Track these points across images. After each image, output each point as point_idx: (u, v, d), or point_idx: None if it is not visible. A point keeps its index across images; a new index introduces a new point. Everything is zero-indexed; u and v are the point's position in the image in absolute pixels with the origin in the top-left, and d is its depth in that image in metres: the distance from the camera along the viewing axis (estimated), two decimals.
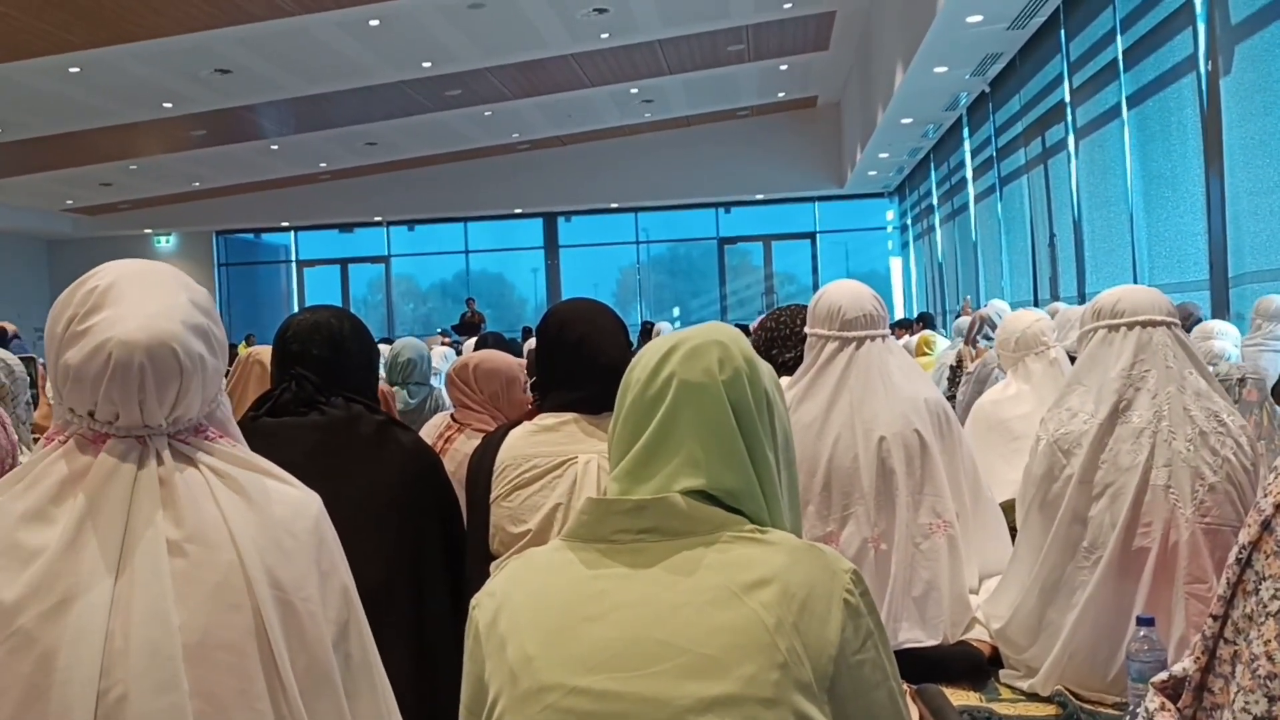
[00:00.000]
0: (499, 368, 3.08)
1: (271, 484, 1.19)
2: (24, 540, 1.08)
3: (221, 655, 1.08)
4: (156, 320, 1.13)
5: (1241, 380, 3.47)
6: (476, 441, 2.93)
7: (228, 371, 2.23)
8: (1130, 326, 2.34)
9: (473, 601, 1.21)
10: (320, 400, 2.04)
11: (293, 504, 1.20)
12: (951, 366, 5.71)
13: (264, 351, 3.08)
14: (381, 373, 3.29)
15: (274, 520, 1.16)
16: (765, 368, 1.24)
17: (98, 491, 1.11)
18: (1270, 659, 1.31)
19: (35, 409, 3.20)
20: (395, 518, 2.01)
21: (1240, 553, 1.38)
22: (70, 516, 1.09)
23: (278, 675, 1.10)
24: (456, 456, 2.77)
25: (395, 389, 4.27)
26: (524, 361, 3.32)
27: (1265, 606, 1.33)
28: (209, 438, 1.19)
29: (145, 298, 1.15)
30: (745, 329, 9.55)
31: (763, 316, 3.26)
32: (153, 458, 1.13)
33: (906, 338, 8.25)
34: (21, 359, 2.92)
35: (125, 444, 1.13)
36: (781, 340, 3.06)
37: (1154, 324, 2.33)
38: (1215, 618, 1.42)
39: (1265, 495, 1.37)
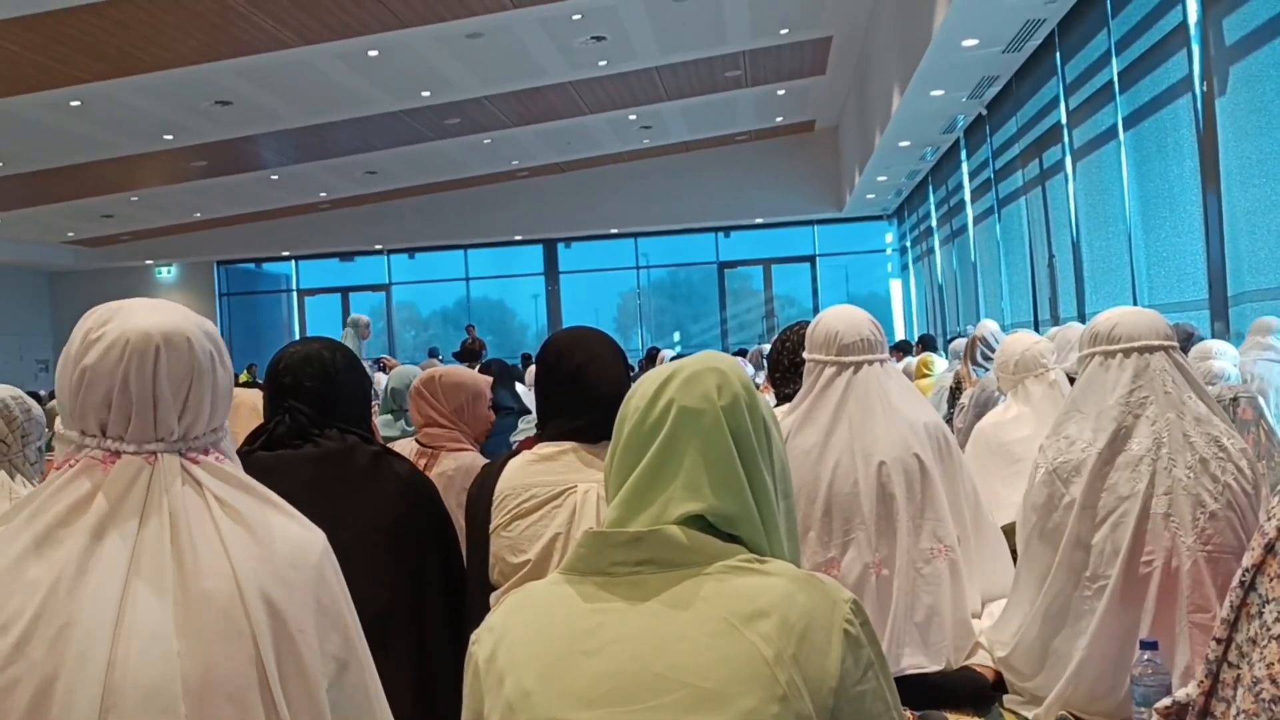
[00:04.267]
0: (464, 381, 3.10)
1: (277, 518, 1.20)
2: (30, 567, 1.09)
3: (221, 684, 1.09)
4: (170, 318, 1.19)
5: (1235, 400, 3.46)
6: (455, 461, 2.94)
7: None
8: (1127, 353, 2.30)
9: (472, 637, 1.21)
10: (314, 432, 2.04)
11: (297, 541, 1.20)
12: (951, 389, 5.70)
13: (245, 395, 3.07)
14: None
15: (276, 554, 1.16)
16: (762, 397, 1.25)
17: (105, 517, 1.12)
18: (1274, 682, 1.29)
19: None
20: (393, 549, 2.01)
21: (1244, 576, 1.37)
22: (77, 542, 1.10)
23: (274, 707, 1.10)
24: (440, 481, 2.74)
25: (387, 417, 4.29)
26: (488, 379, 3.33)
27: (1269, 629, 1.32)
28: (219, 460, 1.21)
29: (156, 308, 1.21)
30: (743, 353, 9.50)
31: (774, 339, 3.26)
32: (161, 482, 1.15)
33: (906, 360, 8.24)
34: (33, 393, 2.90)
35: (134, 466, 1.14)
36: (783, 371, 3.06)
37: (1151, 349, 2.29)
38: (1219, 641, 1.41)
39: (1269, 518, 1.36)
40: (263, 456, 1.99)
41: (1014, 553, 2.65)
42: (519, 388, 6.27)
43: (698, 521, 1.16)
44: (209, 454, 1.20)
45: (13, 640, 1.06)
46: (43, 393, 7.94)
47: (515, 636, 1.16)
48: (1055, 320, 8.46)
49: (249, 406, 2.98)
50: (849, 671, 1.10)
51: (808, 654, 1.09)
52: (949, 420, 5.07)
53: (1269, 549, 1.35)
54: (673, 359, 1.36)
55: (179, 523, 1.13)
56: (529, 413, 5.33)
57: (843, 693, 1.10)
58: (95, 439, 1.15)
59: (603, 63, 11.78)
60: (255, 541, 1.15)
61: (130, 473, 1.14)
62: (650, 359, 11.62)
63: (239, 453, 1.97)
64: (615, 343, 2.22)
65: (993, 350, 5.05)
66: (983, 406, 4.56)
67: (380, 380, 6.87)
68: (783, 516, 1.23)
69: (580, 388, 2.09)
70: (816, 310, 17.02)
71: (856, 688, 1.11)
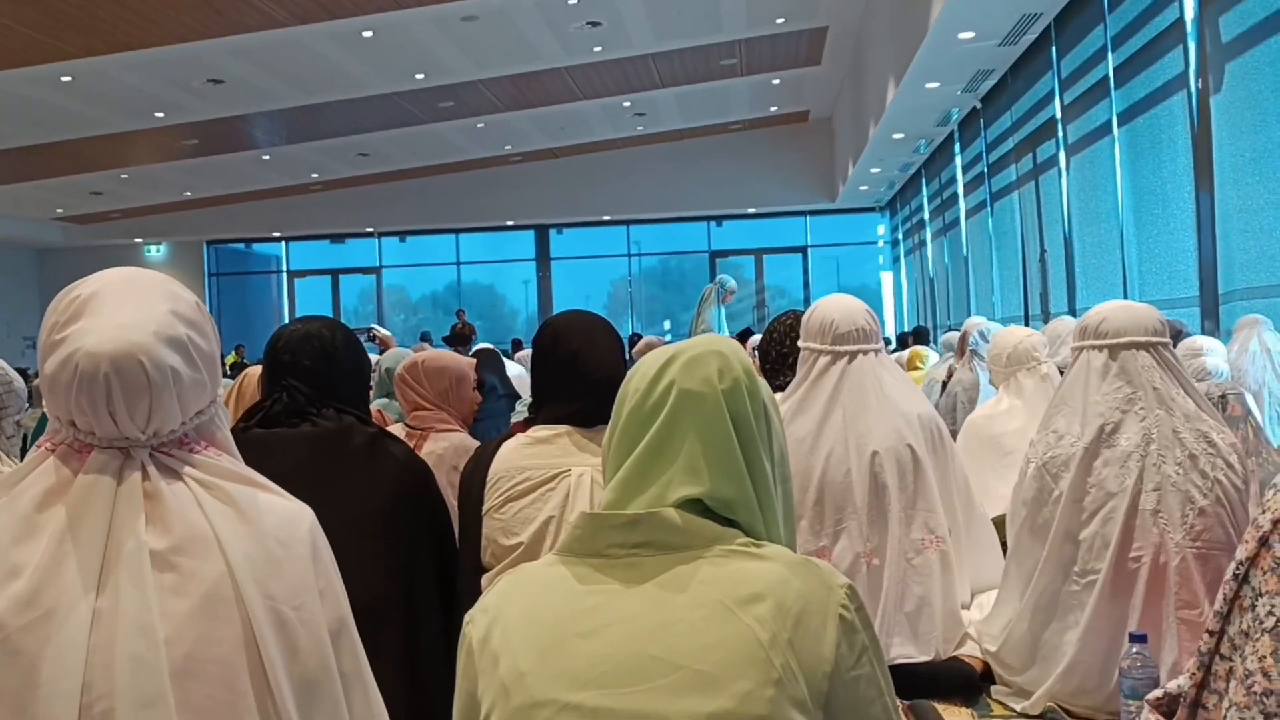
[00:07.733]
0: (447, 365, 3.11)
1: (262, 495, 1.18)
2: (9, 553, 1.07)
3: (210, 668, 1.07)
4: (125, 331, 1.12)
5: (1223, 397, 3.48)
6: (445, 441, 2.94)
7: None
8: (1115, 349, 2.28)
9: (466, 617, 1.20)
10: (311, 411, 2.04)
11: (284, 515, 1.18)
12: (943, 382, 5.71)
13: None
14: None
15: (265, 531, 1.15)
16: (763, 382, 1.24)
17: (79, 503, 1.10)
18: (1266, 675, 1.30)
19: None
20: (387, 530, 2.00)
21: (1238, 569, 1.38)
22: (53, 528, 1.09)
23: (268, 687, 1.09)
24: (430, 459, 2.74)
25: (383, 400, 4.26)
26: (473, 361, 3.34)
27: (1261, 623, 1.32)
28: (194, 450, 1.18)
29: (121, 308, 1.14)
30: (742, 336, 9.33)
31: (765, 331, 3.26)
32: (136, 469, 1.12)
33: (899, 353, 8.24)
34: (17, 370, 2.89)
35: (107, 455, 1.12)
36: (772, 362, 3.06)
37: (1138, 345, 2.27)
38: (1211, 633, 1.41)
39: (1264, 511, 1.37)
40: (257, 434, 1.99)
41: (1004, 545, 2.66)
42: (512, 370, 6.23)
43: (695, 505, 1.16)
44: (185, 444, 1.18)
45: None
46: (30, 370, 7.89)
47: (510, 617, 1.15)
48: (1046, 315, 8.48)
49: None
50: (843, 656, 1.11)
51: (803, 638, 1.09)
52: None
53: (1263, 542, 1.35)
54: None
55: (160, 505, 1.12)
56: (520, 397, 5.31)
57: (837, 677, 1.10)
58: (69, 429, 1.14)
59: (598, 48, 11.74)
60: (242, 520, 1.14)
61: (101, 462, 1.12)
62: (633, 345, 10.96)
63: (236, 428, 1.97)
64: (612, 327, 2.21)
65: (984, 342, 5.06)
66: (952, 408, 4.58)
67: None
68: (780, 502, 1.23)
69: (576, 371, 2.09)
70: (807, 301, 17.05)
71: (851, 672, 1.11)
